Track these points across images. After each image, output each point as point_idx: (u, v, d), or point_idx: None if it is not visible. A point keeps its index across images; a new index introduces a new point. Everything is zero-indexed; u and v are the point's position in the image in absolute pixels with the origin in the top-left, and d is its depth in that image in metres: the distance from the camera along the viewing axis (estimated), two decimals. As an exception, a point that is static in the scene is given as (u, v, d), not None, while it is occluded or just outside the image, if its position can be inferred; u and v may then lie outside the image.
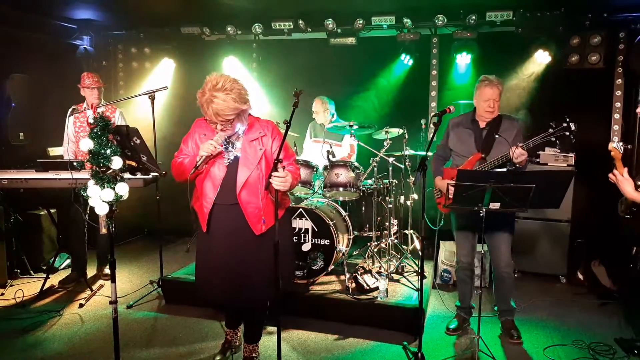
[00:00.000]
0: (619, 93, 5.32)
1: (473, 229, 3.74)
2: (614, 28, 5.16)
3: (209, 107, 2.74)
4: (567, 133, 3.23)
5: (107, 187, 2.65)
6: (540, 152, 5.05)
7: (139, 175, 3.26)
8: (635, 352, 3.53)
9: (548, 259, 5.08)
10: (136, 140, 3.08)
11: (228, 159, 2.96)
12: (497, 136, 3.57)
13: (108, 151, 2.65)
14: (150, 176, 3.94)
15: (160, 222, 4.65)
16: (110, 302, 2.83)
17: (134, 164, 3.05)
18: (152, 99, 4.37)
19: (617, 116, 5.32)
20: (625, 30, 5.15)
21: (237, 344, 3.52)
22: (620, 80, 5.30)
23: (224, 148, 2.95)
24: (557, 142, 3.36)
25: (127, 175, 2.99)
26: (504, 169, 3.29)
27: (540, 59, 5.44)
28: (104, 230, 2.76)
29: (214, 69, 6.15)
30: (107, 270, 5.01)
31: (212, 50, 6.45)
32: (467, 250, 3.82)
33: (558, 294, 4.81)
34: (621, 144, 3.13)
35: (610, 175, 2.94)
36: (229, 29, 6.05)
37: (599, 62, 5.12)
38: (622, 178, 2.89)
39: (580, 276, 5.05)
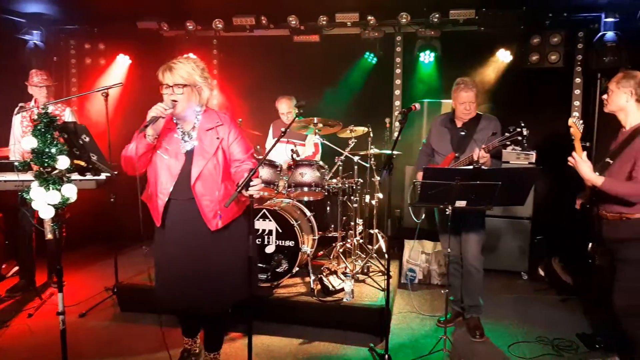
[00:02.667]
0: (577, 92, 5.44)
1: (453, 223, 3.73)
2: (573, 27, 5.28)
3: (165, 69, 2.71)
4: (520, 138, 3.33)
5: (53, 189, 2.46)
6: (502, 151, 5.10)
7: (89, 176, 3.06)
8: (597, 346, 3.58)
9: (510, 256, 5.14)
10: (85, 138, 2.89)
11: (184, 149, 2.83)
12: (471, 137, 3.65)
13: (53, 150, 2.48)
14: (102, 177, 3.73)
15: (115, 226, 4.42)
16: (58, 314, 2.64)
17: (82, 163, 2.86)
18: (106, 97, 4.16)
19: (576, 114, 5.43)
20: (584, 29, 5.27)
21: (197, 352, 3.36)
22: (579, 79, 5.42)
23: (180, 138, 2.83)
24: (512, 145, 3.44)
25: (76, 176, 2.80)
26: (470, 166, 3.28)
27: (502, 57, 5.51)
28: (49, 236, 2.57)
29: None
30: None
31: (171, 46, 6.22)
32: (452, 244, 3.82)
33: (520, 290, 4.86)
34: (582, 121, 3.14)
35: (569, 158, 2.95)
36: (188, 24, 5.86)
37: (559, 61, 5.21)
38: (580, 159, 2.90)
39: (541, 272, 5.12)
